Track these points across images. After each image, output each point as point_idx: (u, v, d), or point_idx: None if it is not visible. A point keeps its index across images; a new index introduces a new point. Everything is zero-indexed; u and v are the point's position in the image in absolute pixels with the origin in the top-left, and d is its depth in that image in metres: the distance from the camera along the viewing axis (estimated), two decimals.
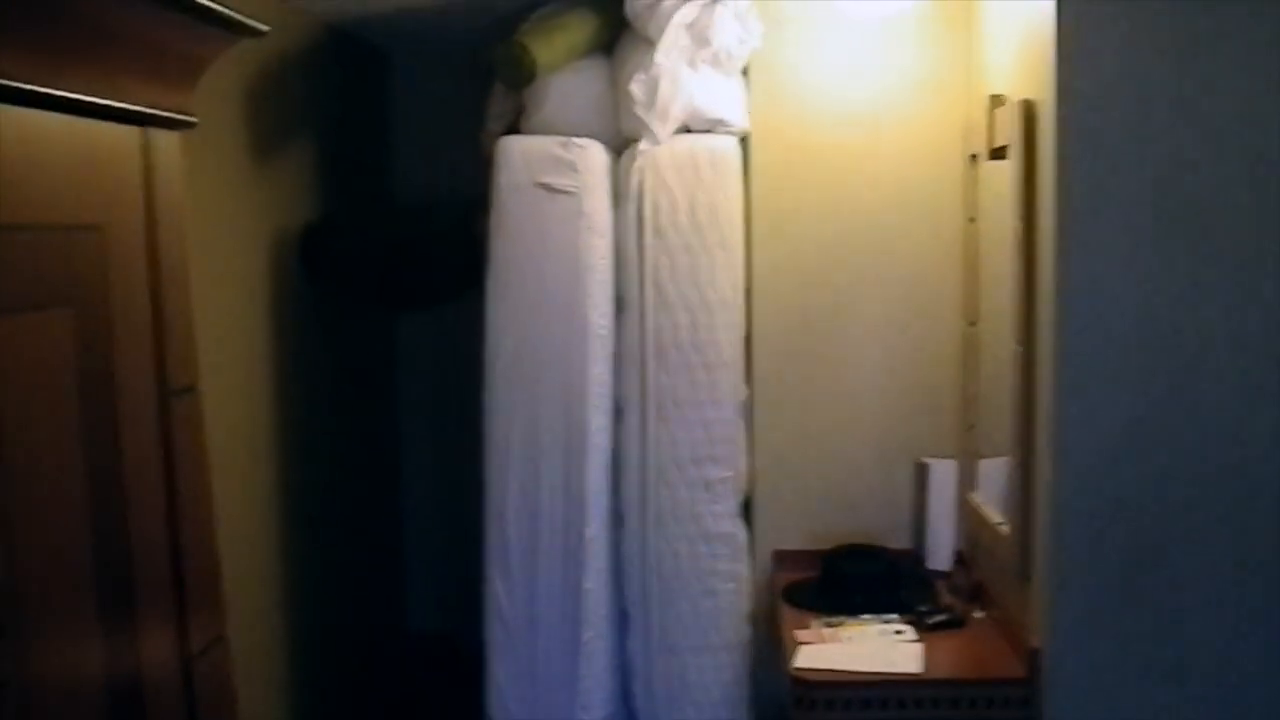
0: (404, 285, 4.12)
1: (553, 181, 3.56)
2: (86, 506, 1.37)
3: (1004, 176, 3.07)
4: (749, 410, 3.74)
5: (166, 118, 1.51)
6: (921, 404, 3.75)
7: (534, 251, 3.57)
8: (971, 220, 3.56)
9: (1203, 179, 2.68)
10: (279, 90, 3.65)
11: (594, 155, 3.58)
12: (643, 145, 3.51)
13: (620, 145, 3.66)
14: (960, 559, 3.64)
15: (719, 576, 3.60)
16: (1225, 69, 2.65)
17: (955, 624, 3.29)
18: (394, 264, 3.99)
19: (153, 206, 1.49)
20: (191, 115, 1.57)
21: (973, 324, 3.58)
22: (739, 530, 3.65)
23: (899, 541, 3.74)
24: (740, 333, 3.62)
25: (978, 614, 3.35)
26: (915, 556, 3.71)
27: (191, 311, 1.59)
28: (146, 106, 1.46)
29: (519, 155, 3.60)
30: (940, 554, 3.68)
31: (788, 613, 3.45)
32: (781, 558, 3.79)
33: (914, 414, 3.75)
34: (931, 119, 3.66)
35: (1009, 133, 3.00)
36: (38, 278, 1.29)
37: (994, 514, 3.27)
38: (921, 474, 3.71)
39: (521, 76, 3.56)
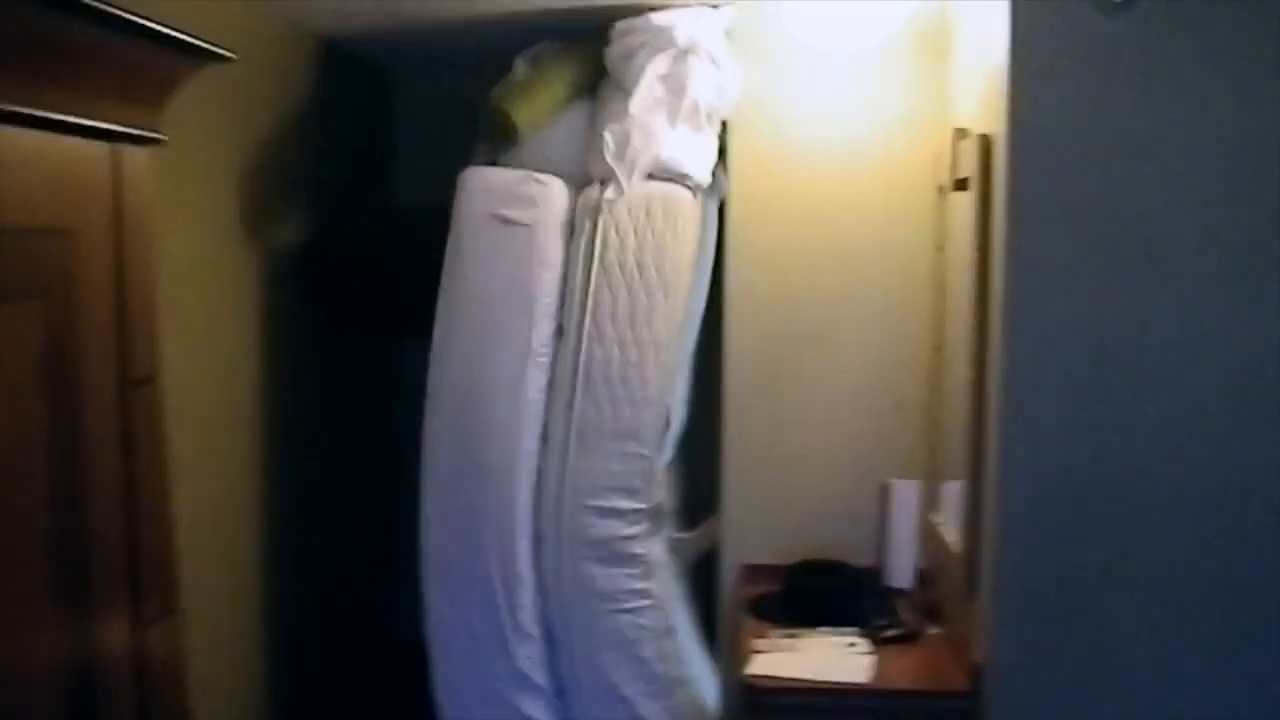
0: (397, 309, 4.24)
1: (509, 214, 3.68)
2: (46, 487, 1.50)
3: (965, 207, 3.19)
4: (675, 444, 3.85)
5: (136, 135, 1.66)
6: (889, 426, 3.87)
7: (485, 281, 3.69)
8: (939, 249, 3.67)
9: (1147, 208, 2.79)
10: (276, 106, 3.81)
11: (554, 191, 3.70)
12: (609, 194, 3.63)
13: (586, 181, 3.76)
14: (921, 577, 3.75)
15: (631, 595, 3.68)
16: (1169, 103, 2.76)
17: (909, 638, 3.40)
18: (386, 290, 4.12)
19: (120, 215, 1.63)
20: (160, 133, 1.71)
21: (938, 349, 3.69)
22: (653, 552, 3.73)
23: (863, 559, 3.84)
24: (668, 376, 3.70)
25: (932, 630, 3.46)
26: (877, 573, 3.82)
27: (154, 310, 1.73)
28: (117, 125, 1.60)
29: (481, 186, 3.73)
30: (901, 572, 3.79)
31: (748, 624, 3.56)
32: (749, 571, 3.91)
33: (882, 436, 3.87)
34: (904, 151, 3.79)
35: (969, 165, 3.13)
36: (8, 274, 1.44)
37: (951, 534, 3.38)
38: (886, 494, 3.82)
39: (503, 140, 3.74)
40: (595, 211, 3.65)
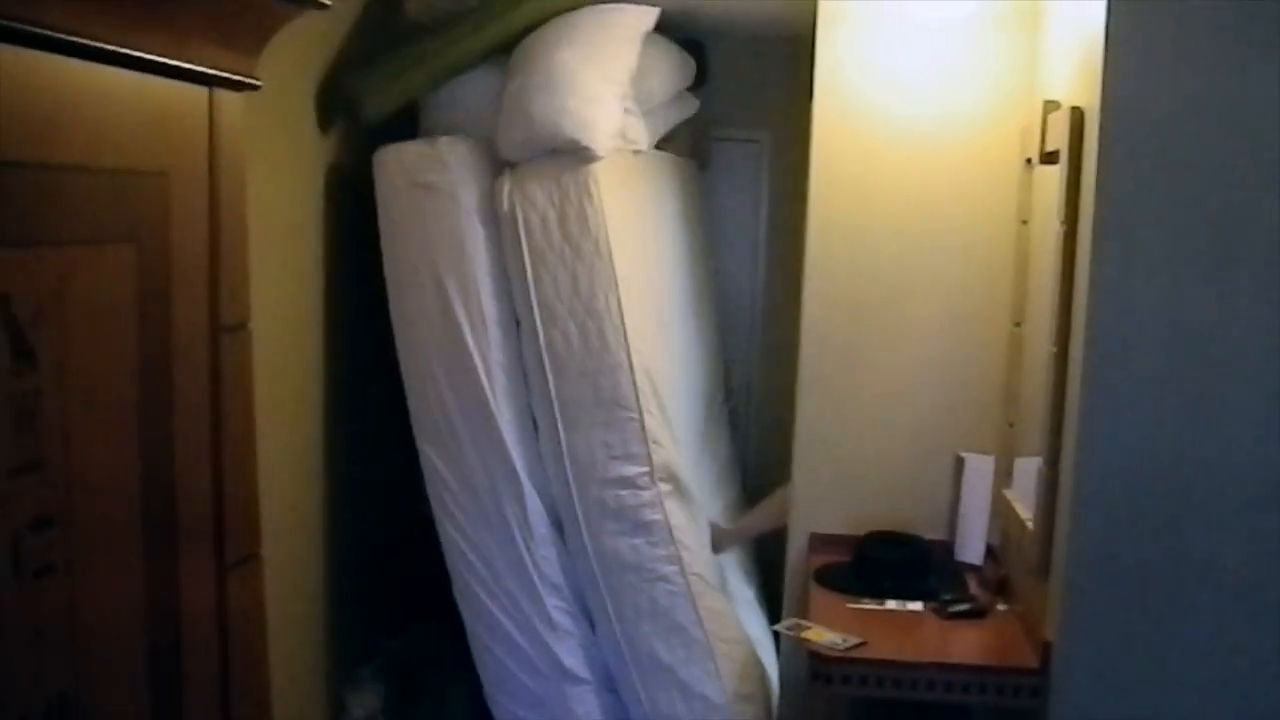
0: None
1: (426, 179, 3.77)
2: (137, 429, 1.52)
3: (1054, 181, 3.14)
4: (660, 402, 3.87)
5: (232, 79, 1.66)
6: (965, 399, 3.83)
7: (422, 250, 3.77)
8: (1024, 223, 3.63)
9: (1241, 191, 2.74)
10: (340, 44, 3.86)
11: (460, 150, 3.79)
12: (515, 180, 3.76)
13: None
14: (991, 553, 3.72)
15: (661, 561, 3.75)
16: (1269, 82, 2.70)
17: (977, 614, 3.38)
18: None
19: (215, 159, 1.64)
20: (256, 79, 1.71)
21: (1019, 324, 3.65)
22: (674, 515, 3.78)
23: (933, 532, 3.82)
24: (623, 333, 3.72)
25: (1001, 606, 3.43)
26: (947, 547, 3.79)
27: (246, 255, 1.73)
28: (214, 69, 1.61)
29: (394, 161, 3.81)
30: (972, 546, 3.76)
31: (816, 593, 3.56)
32: (817, 540, 3.90)
33: (956, 409, 3.84)
34: (991, 122, 3.74)
35: (1059, 138, 3.07)
36: (105, 215, 1.44)
37: (1025, 511, 3.34)
38: (959, 467, 3.79)
39: (352, 118, 3.86)
40: (510, 201, 3.71)
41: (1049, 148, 3.25)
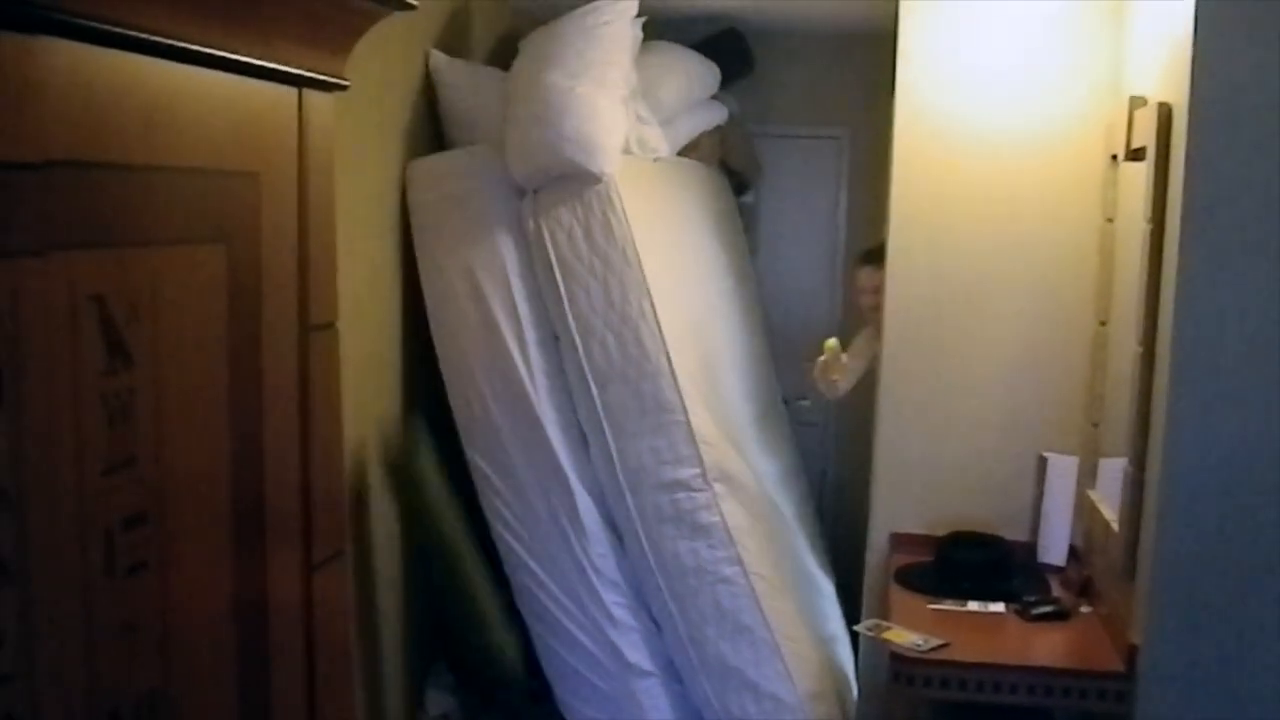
0: None
1: (456, 189, 3.81)
2: (227, 426, 1.54)
3: (1140, 178, 3.10)
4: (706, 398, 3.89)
5: (320, 80, 1.68)
6: (1048, 398, 3.79)
7: (458, 258, 3.79)
8: (1109, 220, 3.58)
9: None
10: (422, 45, 3.91)
11: (490, 160, 3.80)
12: (539, 200, 3.78)
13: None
14: (1074, 554, 3.68)
15: (723, 563, 3.74)
16: None
17: (1061, 616, 3.34)
18: None
19: (305, 159, 1.66)
20: (344, 79, 1.73)
21: (1103, 323, 3.60)
22: (723, 517, 3.76)
23: (1015, 533, 3.79)
24: (660, 338, 3.72)
25: (1085, 608, 3.39)
26: (1029, 549, 3.75)
27: (334, 255, 1.75)
28: (302, 70, 1.62)
29: (424, 174, 3.85)
30: (1055, 548, 3.72)
31: (897, 593, 3.53)
32: (898, 540, 3.88)
33: (1040, 408, 3.80)
34: (1076, 118, 3.69)
35: (1146, 134, 3.03)
36: (196, 215, 1.46)
37: (1109, 512, 3.31)
38: (1042, 468, 3.74)
39: None
40: (535, 221, 3.74)
41: (1135, 144, 3.20)
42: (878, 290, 4.33)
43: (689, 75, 4.60)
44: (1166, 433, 2.80)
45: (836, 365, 4.28)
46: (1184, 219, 2.74)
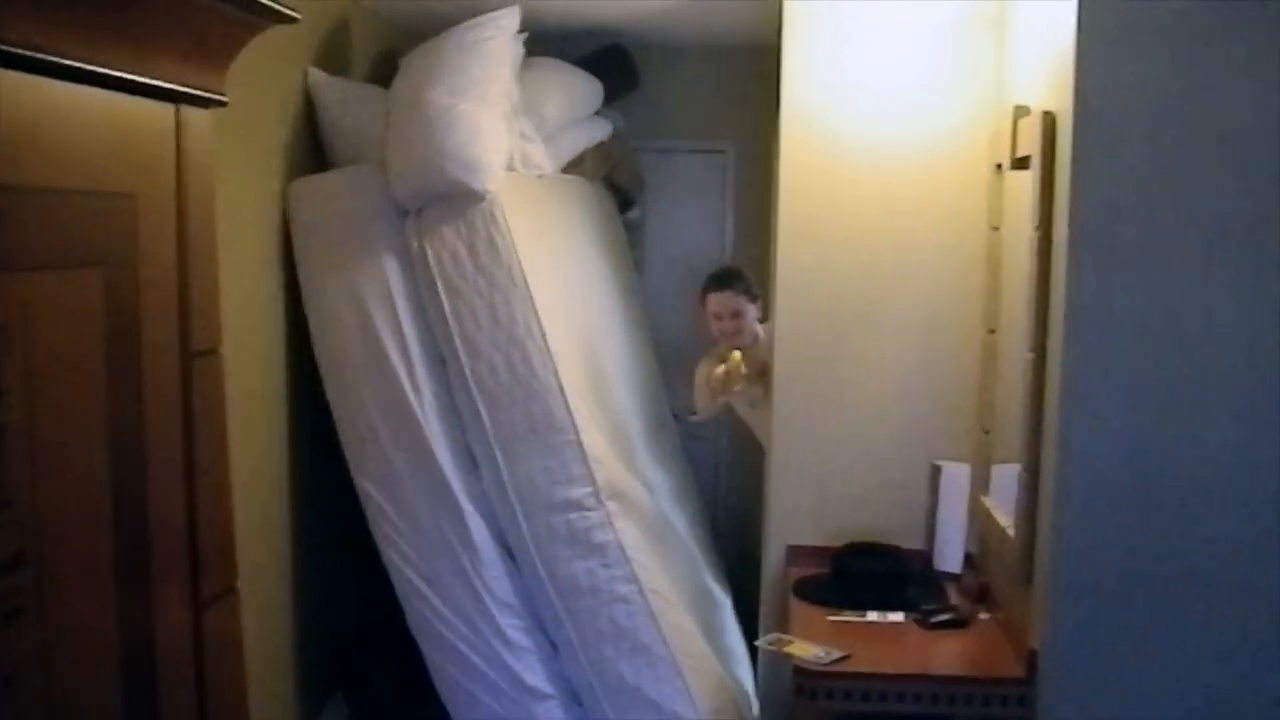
0: None
1: (343, 210, 3.75)
2: (107, 458, 1.46)
3: (1025, 186, 3.13)
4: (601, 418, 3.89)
5: (199, 96, 1.61)
6: (939, 408, 3.81)
7: (342, 281, 3.72)
8: (995, 229, 3.61)
9: (1216, 193, 2.73)
10: (300, 61, 3.83)
11: (374, 179, 3.73)
12: (422, 221, 3.72)
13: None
14: (970, 561, 3.70)
15: (618, 581, 3.72)
16: (1243, 84, 2.69)
17: (960, 623, 3.35)
18: None
19: (183, 178, 1.58)
20: (223, 94, 1.66)
21: (992, 331, 3.63)
22: (616, 536, 3.73)
23: (911, 542, 3.78)
24: (548, 356, 3.69)
25: (983, 615, 3.41)
26: (925, 557, 3.76)
27: (216, 278, 1.68)
28: (179, 85, 1.55)
29: (306, 194, 3.78)
30: (950, 555, 3.73)
31: (796, 606, 3.52)
32: (795, 553, 3.87)
33: (931, 417, 3.82)
34: (961, 128, 3.72)
35: (1031, 143, 3.06)
36: (70, 238, 1.38)
37: (1004, 518, 3.33)
38: (935, 476, 3.75)
39: None
40: (419, 241, 3.69)
41: (1020, 153, 3.24)
42: (736, 315, 4.37)
43: (572, 91, 4.57)
44: (1059, 437, 2.82)
45: (737, 377, 4.27)
46: (1071, 225, 2.76)
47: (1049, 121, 2.93)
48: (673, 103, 5.36)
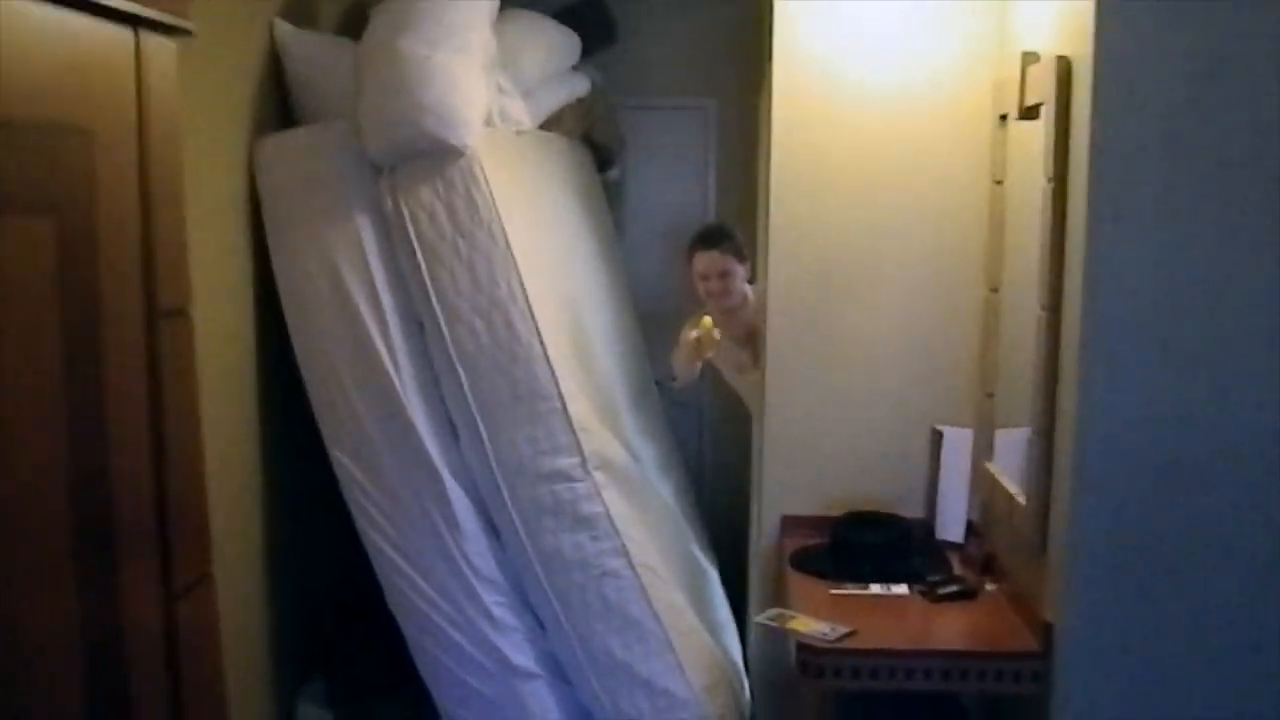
0: None
1: (314, 169, 3.58)
2: (64, 432, 1.29)
3: (1035, 137, 2.97)
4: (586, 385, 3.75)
5: (161, 22, 1.42)
6: (939, 370, 3.66)
7: (313, 244, 3.55)
8: (998, 183, 3.45)
9: (1242, 142, 2.58)
10: (264, 14, 3.67)
11: (347, 135, 3.56)
12: (397, 178, 3.55)
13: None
14: (973, 530, 3.56)
15: (607, 555, 3.59)
16: (1275, 28, 2.54)
17: (967, 595, 3.21)
18: None
19: (146, 115, 1.40)
20: (189, 22, 1.48)
21: (994, 289, 3.48)
22: (605, 507, 3.60)
23: (911, 510, 3.65)
24: (532, 319, 3.54)
25: (990, 586, 3.27)
26: (926, 526, 3.62)
27: (184, 229, 1.50)
28: (139, 7, 1.37)
29: (275, 152, 3.61)
30: (952, 524, 3.60)
31: (794, 579, 3.37)
32: (790, 523, 3.71)
33: (931, 380, 3.66)
34: (960, 78, 3.55)
35: (1042, 91, 2.90)
36: (18, 178, 1.20)
37: (1011, 484, 3.19)
38: (936, 441, 3.61)
39: None
40: (394, 200, 3.53)
41: (1029, 101, 3.07)
42: (724, 275, 4.21)
43: (549, 45, 4.39)
44: (1077, 398, 2.67)
45: (709, 342, 4.12)
46: (1090, 176, 2.61)
47: (1064, 68, 2.77)
48: (652, 57, 5.18)
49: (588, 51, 4.73)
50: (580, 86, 4.70)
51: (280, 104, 3.78)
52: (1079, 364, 2.67)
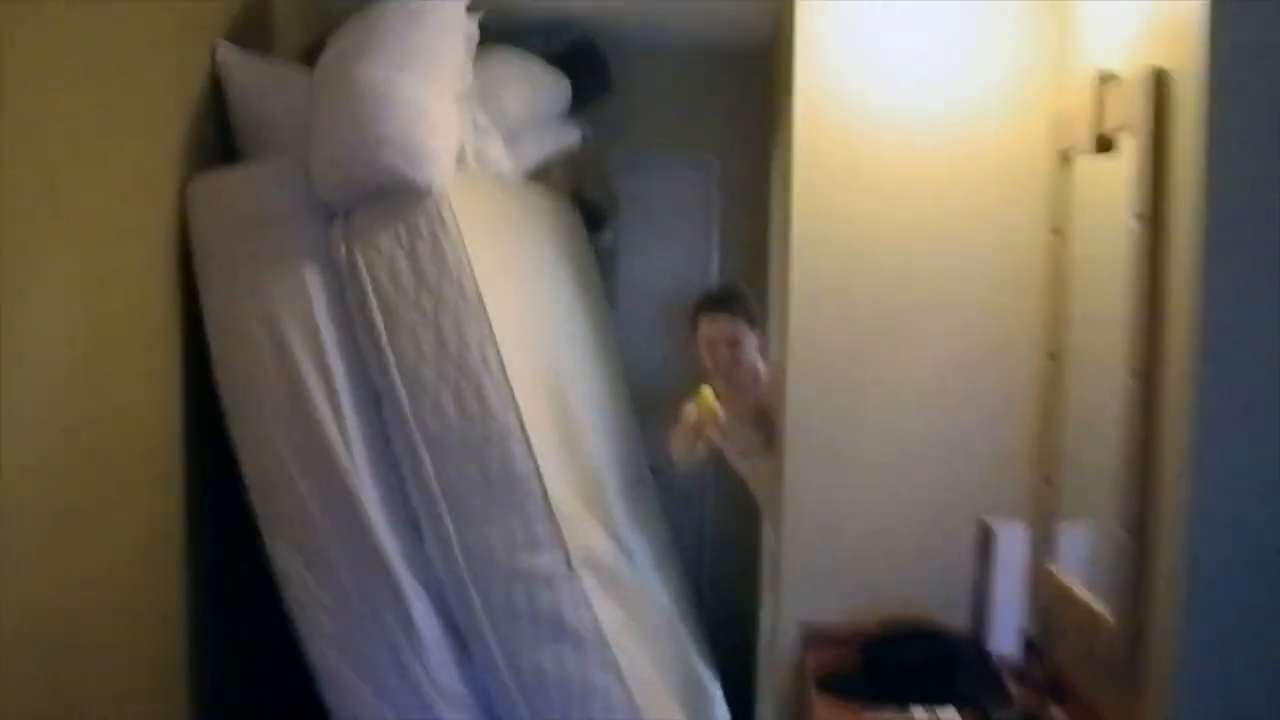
0: None
1: (256, 213, 3.11)
2: None
3: (1114, 171, 2.48)
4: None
5: None
6: (987, 452, 3.13)
7: (253, 300, 3.08)
8: (1057, 231, 2.96)
9: None
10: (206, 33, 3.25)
11: (295, 175, 3.12)
12: (354, 227, 3.07)
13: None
14: (1030, 644, 3.01)
15: (595, 669, 3.09)
16: None
17: None
18: None
19: None
20: None
21: (1054, 356, 2.97)
22: (593, 613, 3.11)
23: (954, 618, 3.12)
24: (508, 391, 3.06)
25: (1056, 712, 2.71)
26: (975, 637, 3.07)
27: None
28: None
29: (211, 194, 3.14)
30: (1005, 636, 3.02)
31: (821, 703, 2.82)
32: (813, 635, 3.17)
33: (978, 464, 3.13)
34: (1011, 110, 3.06)
35: (1125, 114, 2.41)
36: None
37: (1082, 590, 2.66)
38: (985, 538, 3.07)
39: None
40: (348, 249, 3.04)
41: (1107, 128, 2.57)
42: (733, 343, 3.70)
43: (536, 85, 3.94)
44: (1184, 487, 2.14)
45: (711, 420, 3.60)
46: (1201, 211, 2.10)
47: (1159, 84, 2.27)
48: (648, 110, 4.72)
49: (579, 101, 4.29)
50: (569, 137, 4.25)
51: (222, 140, 3.30)
52: (1185, 443, 2.14)
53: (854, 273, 3.13)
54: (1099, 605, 2.53)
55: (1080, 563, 2.77)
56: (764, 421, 3.64)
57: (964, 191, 3.09)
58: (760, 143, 4.44)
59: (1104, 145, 2.59)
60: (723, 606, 4.58)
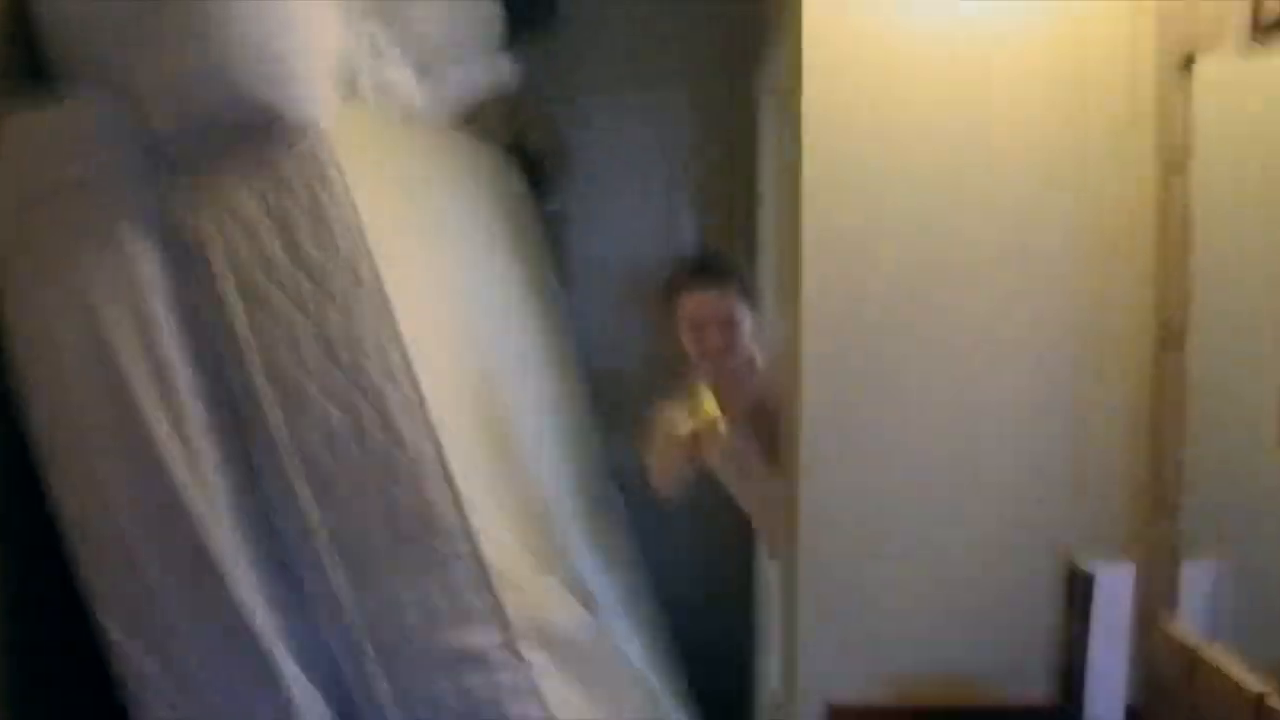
0: None
1: (66, 169, 2.44)
2: None
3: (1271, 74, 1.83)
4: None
5: None
6: (1076, 472, 2.43)
7: (68, 291, 2.40)
8: (1175, 171, 2.25)
9: None
10: None
11: (108, 110, 2.44)
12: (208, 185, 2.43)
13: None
14: (1135, 716, 2.35)
15: None
16: None
17: None
18: None
19: None
20: None
21: (1170, 341, 2.29)
22: (543, 705, 2.46)
23: (1028, 684, 2.43)
24: (419, 408, 2.40)
25: None
26: (1063, 716, 2.37)
27: None
28: None
29: (18, 143, 2.48)
30: (1105, 711, 2.35)
31: None
32: (838, 716, 2.47)
33: (1063, 487, 2.43)
34: (1093, 15, 2.34)
35: None
36: None
37: (1213, 649, 2.08)
38: (1077, 584, 2.35)
39: None
40: (193, 213, 2.40)
41: (1267, 14, 1.86)
42: (726, 324, 3.01)
43: (459, 4, 3.24)
44: None
45: (712, 438, 2.96)
46: None
47: None
48: (607, 41, 4.18)
49: (519, 31, 3.71)
50: (506, 73, 3.66)
51: (28, 67, 2.59)
52: None
53: (886, 228, 2.41)
54: (1236, 669, 1.99)
55: (1210, 614, 2.21)
56: (762, 426, 2.93)
57: (1035, 114, 2.37)
58: (740, 68, 3.90)
59: (1265, 36, 1.86)
60: (714, 660, 3.86)
